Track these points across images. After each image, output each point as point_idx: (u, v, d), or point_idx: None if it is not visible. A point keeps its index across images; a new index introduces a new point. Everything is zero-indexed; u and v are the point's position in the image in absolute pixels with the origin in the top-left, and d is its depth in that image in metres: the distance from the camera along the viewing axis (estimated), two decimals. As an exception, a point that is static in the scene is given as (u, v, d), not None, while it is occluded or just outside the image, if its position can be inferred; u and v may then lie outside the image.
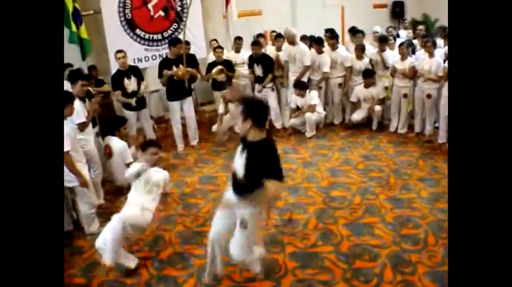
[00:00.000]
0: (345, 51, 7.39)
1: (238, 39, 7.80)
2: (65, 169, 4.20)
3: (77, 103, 4.62)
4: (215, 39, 8.05)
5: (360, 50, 7.21)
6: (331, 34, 7.52)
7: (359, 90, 7.17)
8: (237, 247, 3.27)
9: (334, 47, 7.26)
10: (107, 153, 5.39)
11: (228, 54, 7.75)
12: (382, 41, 7.11)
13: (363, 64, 7.20)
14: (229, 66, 7.26)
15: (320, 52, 7.16)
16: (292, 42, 7.00)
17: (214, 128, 6.68)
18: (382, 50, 7.07)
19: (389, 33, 8.34)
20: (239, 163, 3.03)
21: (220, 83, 7.26)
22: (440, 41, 7.41)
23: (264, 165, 2.91)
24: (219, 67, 7.11)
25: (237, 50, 7.79)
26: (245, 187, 2.99)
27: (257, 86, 7.25)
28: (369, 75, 6.99)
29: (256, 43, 7.20)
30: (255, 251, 3.42)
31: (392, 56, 7.05)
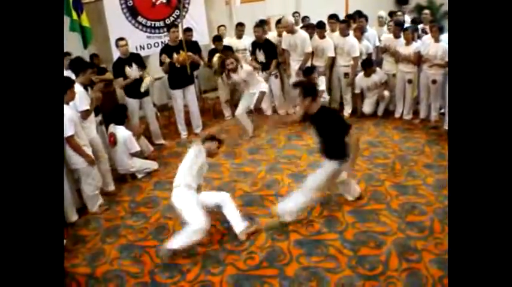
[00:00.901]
0: (354, 40, 6.99)
1: (240, 26, 7.70)
2: (70, 153, 4.34)
3: (81, 91, 4.60)
4: (223, 25, 7.96)
5: (360, 31, 7.09)
6: (337, 19, 7.35)
7: (361, 80, 6.98)
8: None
9: (344, 33, 6.96)
10: (111, 141, 5.37)
11: (230, 40, 7.67)
12: (398, 25, 6.87)
13: (363, 47, 7.05)
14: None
15: (322, 37, 7.03)
16: (291, 30, 6.89)
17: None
18: (396, 36, 6.83)
19: (398, 16, 8.19)
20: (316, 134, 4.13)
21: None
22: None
23: (334, 125, 3.91)
24: (218, 55, 7.01)
25: (239, 36, 7.70)
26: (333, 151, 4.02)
27: (261, 73, 7.16)
28: (369, 66, 6.83)
29: (258, 25, 7.09)
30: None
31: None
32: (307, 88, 3.96)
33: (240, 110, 6.56)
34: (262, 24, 7.56)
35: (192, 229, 3.76)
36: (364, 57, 7.04)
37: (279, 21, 7.55)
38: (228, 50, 7.11)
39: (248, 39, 7.57)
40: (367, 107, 7.12)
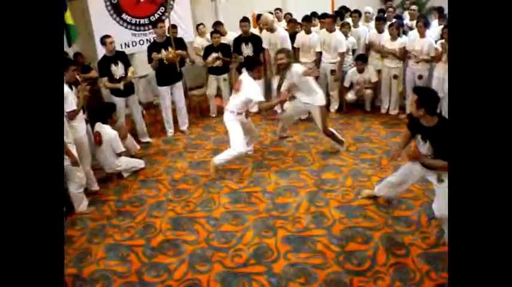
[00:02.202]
0: (341, 35, 6.91)
1: (217, 24, 7.76)
2: None
3: (67, 90, 4.50)
4: (202, 24, 7.95)
5: (348, 27, 7.10)
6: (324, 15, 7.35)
7: (352, 74, 7.02)
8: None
9: (330, 29, 6.86)
10: (96, 140, 5.30)
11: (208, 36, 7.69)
12: (380, 20, 6.94)
13: (349, 43, 7.06)
14: (226, 50, 7.14)
15: (308, 31, 7.02)
16: (270, 28, 6.80)
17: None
18: (379, 31, 6.90)
19: (389, 12, 8.24)
20: (424, 148, 3.51)
21: (217, 68, 7.17)
22: (434, 21, 7.36)
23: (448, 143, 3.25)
24: (214, 56, 6.99)
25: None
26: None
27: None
28: (363, 61, 6.87)
29: (246, 20, 7.03)
30: None
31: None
32: (425, 98, 3.37)
33: (284, 115, 6.15)
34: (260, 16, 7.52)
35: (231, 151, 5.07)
36: (350, 53, 7.08)
37: (258, 17, 7.53)
38: (226, 58, 7.15)
39: (231, 35, 7.57)
40: (350, 95, 7.18)
